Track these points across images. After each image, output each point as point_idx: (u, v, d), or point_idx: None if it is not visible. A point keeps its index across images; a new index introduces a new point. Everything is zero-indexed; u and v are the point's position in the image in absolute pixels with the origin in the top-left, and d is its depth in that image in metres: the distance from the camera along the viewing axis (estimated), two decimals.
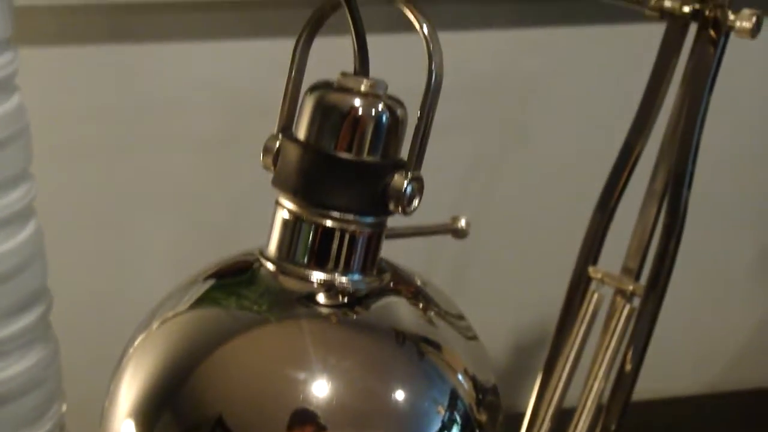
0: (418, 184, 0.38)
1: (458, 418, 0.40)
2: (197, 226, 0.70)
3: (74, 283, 0.66)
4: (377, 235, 0.40)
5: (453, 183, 0.74)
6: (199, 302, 0.40)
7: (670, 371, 0.81)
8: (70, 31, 0.65)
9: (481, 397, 0.42)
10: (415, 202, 0.39)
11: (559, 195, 0.74)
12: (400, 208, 0.38)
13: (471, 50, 0.71)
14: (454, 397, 0.40)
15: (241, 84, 0.69)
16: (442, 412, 0.39)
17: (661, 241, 0.53)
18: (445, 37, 0.71)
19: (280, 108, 0.40)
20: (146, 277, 0.70)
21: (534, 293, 0.73)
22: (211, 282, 0.41)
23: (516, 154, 0.74)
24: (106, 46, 0.66)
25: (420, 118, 0.38)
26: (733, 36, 0.52)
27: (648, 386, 0.81)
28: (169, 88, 0.68)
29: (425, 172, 0.80)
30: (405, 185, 0.38)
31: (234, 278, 0.41)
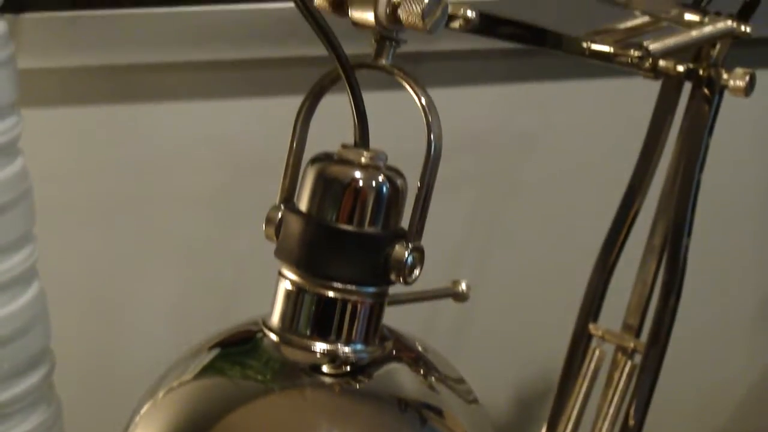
0: (419, 254, 0.39)
1: None
2: (200, 283, 0.70)
3: (77, 343, 0.67)
4: (379, 304, 0.40)
5: (452, 239, 0.74)
6: (204, 372, 0.41)
7: (673, 423, 0.81)
8: (72, 92, 0.66)
9: None
10: (416, 272, 0.39)
11: (558, 251, 0.74)
12: (401, 279, 0.39)
13: (469, 106, 0.72)
14: None
15: (242, 141, 0.69)
16: None
17: (660, 297, 0.54)
18: (444, 93, 0.72)
19: (282, 176, 0.40)
20: (149, 336, 0.70)
21: (536, 350, 0.74)
22: (215, 351, 0.41)
23: (514, 210, 0.74)
24: (107, 106, 0.67)
25: (420, 188, 0.38)
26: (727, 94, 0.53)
27: None
28: (171, 146, 0.68)
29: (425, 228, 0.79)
30: (406, 256, 0.38)
31: (238, 348, 0.41)
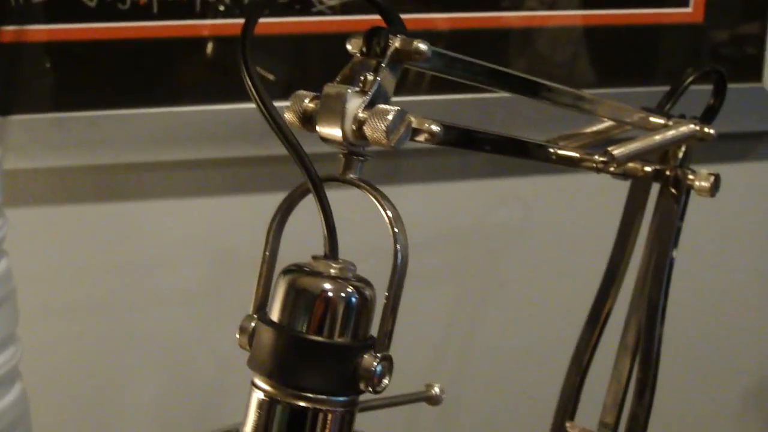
0: (388, 363, 0.39)
1: None
2: (182, 382, 0.71)
3: None
4: (349, 413, 0.40)
5: (435, 332, 0.74)
6: None
7: None
8: (57, 191, 0.67)
9: None
10: (385, 381, 0.40)
11: (535, 346, 0.75)
12: (370, 388, 0.39)
13: (450, 200, 0.73)
14: None
15: (225, 239, 0.70)
16: None
17: (635, 394, 0.54)
18: (426, 188, 0.74)
19: (255, 285, 0.41)
20: None
21: None
22: None
23: (496, 303, 0.75)
24: (92, 206, 0.68)
25: (387, 299, 0.39)
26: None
27: None
28: (154, 244, 0.69)
29: (406, 322, 0.80)
30: (375, 365, 0.39)
31: None
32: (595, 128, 0.53)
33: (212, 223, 0.70)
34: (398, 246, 0.39)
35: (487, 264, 0.75)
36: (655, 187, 0.55)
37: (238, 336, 0.41)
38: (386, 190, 0.77)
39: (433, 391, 0.47)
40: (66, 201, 0.68)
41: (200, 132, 0.67)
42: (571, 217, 0.75)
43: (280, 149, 0.38)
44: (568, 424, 0.56)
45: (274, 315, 0.40)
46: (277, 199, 0.41)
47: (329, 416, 0.40)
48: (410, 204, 0.74)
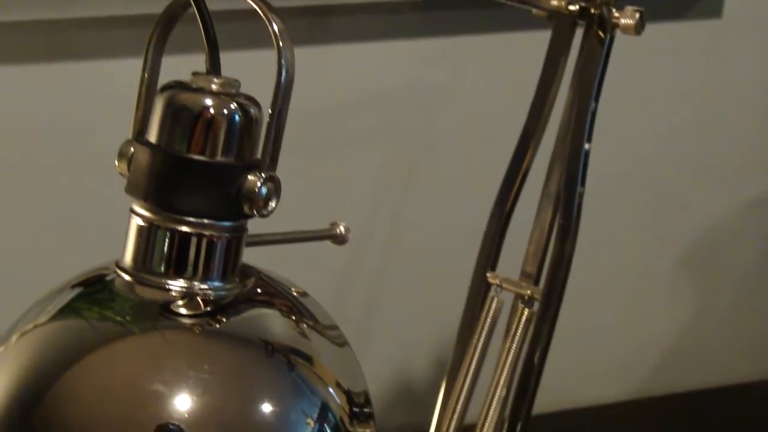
0: (274, 184, 0.37)
1: (328, 430, 0.39)
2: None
3: None
4: (236, 239, 0.38)
5: (366, 195, 0.73)
6: (61, 313, 0.39)
7: (595, 384, 0.81)
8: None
9: (354, 410, 0.41)
10: (272, 204, 0.37)
11: (468, 205, 0.73)
12: (255, 210, 0.37)
13: (377, 62, 0.71)
14: (324, 410, 0.39)
15: None
16: (312, 424, 0.38)
17: (556, 242, 0.52)
18: (353, 49, 0.71)
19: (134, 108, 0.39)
20: None
21: (444, 304, 0.72)
22: (73, 293, 0.40)
23: (427, 165, 0.73)
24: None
25: (271, 116, 0.37)
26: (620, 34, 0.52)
27: (574, 395, 0.80)
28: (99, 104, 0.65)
29: (336, 188, 0.78)
30: (259, 186, 0.37)
31: (93, 288, 0.40)
32: None
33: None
34: (283, 61, 0.37)
35: (417, 126, 0.73)
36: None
37: (117, 163, 0.39)
38: (310, 50, 0.74)
39: (338, 230, 0.45)
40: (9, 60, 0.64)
41: None
42: (502, 77, 0.73)
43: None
44: (489, 275, 0.55)
45: (152, 136, 0.38)
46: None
47: (214, 242, 0.38)
48: (336, 65, 0.72)
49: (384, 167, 0.73)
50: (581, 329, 0.79)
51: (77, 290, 0.40)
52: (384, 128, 0.72)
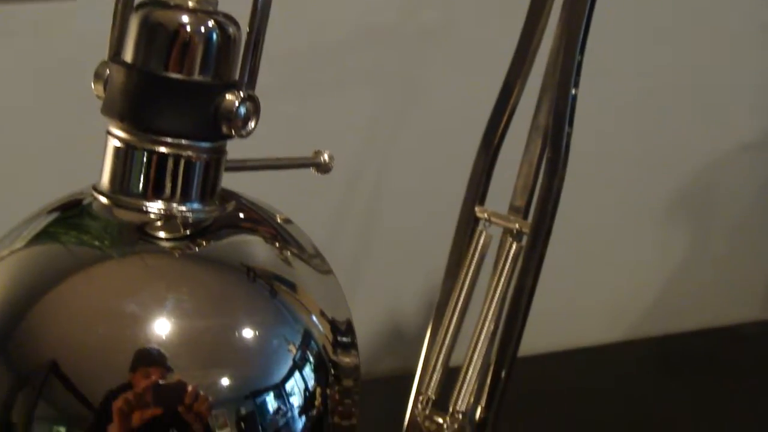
0: (253, 104, 0.37)
1: (311, 358, 0.38)
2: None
3: None
4: (215, 161, 0.38)
5: (355, 136, 0.72)
6: (37, 238, 0.38)
7: (587, 321, 0.80)
8: None
9: (338, 339, 0.40)
10: (251, 124, 0.37)
11: (459, 146, 0.73)
12: (233, 131, 0.37)
13: (368, 2, 0.70)
14: (307, 337, 0.39)
15: None
16: (294, 351, 0.38)
17: (544, 176, 0.52)
18: None
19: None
20: None
21: (434, 247, 0.72)
22: (52, 216, 0.39)
23: (415, 107, 0.72)
24: None
25: (249, 35, 0.36)
26: None
27: (565, 337, 0.80)
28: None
29: (326, 126, 0.77)
30: (237, 105, 0.36)
31: (71, 212, 0.39)
32: None
33: None
34: None
35: (408, 64, 0.72)
36: None
37: (93, 84, 0.38)
38: None
39: (322, 158, 0.44)
40: None
41: None
42: (494, 14, 0.72)
43: None
44: (477, 209, 0.54)
45: (128, 55, 0.37)
46: None
47: (193, 162, 0.37)
48: (327, 2, 0.71)
49: (374, 105, 0.72)
50: (572, 271, 0.79)
51: (54, 215, 0.39)
52: (375, 67, 0.71)
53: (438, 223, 0.74)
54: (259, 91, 0.38)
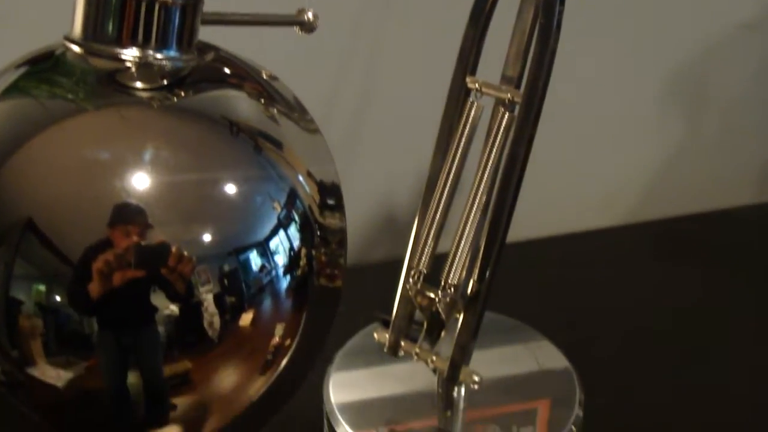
0: None
1: (296, 217, 0.37)
2: None
3: None
4: (192, 6, 0.36)
5: (345, 17, 0.70)
6: (6, 93, 0.37)
7: (578, 213, 0.79)
8: None
9: (324, 200, 0.39)
10: None
11: (454, 28, 0.71)
12: None
13: None
14: (292, 196, 0.37)
15: None
16: (279, 209, 0.37)
17: (537, 44, 0.50)
18: None
19: None
20: None
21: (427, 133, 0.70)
22: (21, 70, 0.37)
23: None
24: None
25: None
26: None
27: (561, 222, 0.79)
28: None
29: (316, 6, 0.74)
30: None
31: (42, 65, 0.37)
32: None
33: None
34: None
35: None
36: None
37: None
38: None
39: (306, 16, 0.42)
40: None
41: None
42: None
43: None
44: (468, 79, 0.52)
45: None
46: None
47: (168, 7, 0.35)
48: None
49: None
50: (566, 157, 0.77)
51: (23, 69, 0.37)
52: None
53: (428, 106, 0.72)
54: None
